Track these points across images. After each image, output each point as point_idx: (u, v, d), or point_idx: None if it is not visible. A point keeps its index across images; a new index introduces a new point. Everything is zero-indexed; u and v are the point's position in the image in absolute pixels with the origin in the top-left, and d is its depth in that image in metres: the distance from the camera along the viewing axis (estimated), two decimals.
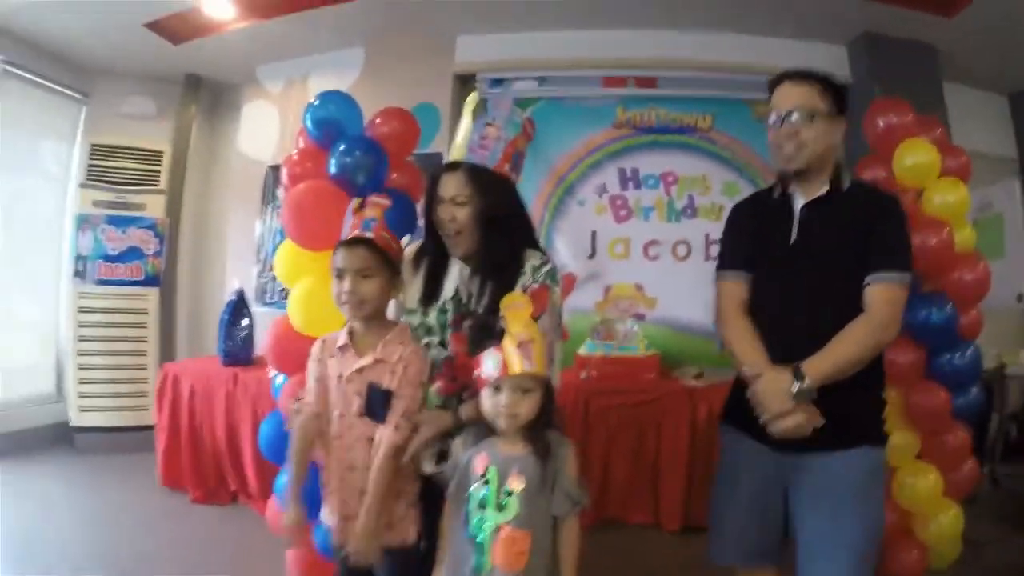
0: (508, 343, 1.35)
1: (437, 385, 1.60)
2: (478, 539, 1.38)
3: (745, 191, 3.60)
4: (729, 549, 1.65)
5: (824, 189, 1.55)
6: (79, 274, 4.04)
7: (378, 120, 2.60)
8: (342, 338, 1.56)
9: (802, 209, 1.56)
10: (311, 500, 1.74)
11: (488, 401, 1.39)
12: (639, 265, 3.65)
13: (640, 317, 3.57)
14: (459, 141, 1.70)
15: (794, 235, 1.55)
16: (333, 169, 2.31)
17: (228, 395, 3.29)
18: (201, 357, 3.97)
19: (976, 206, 3.24)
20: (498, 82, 3.76)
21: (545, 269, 1.59)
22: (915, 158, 2.30)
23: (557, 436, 1.47)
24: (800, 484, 1.52)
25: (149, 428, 3.62)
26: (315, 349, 1.60)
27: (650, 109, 3.70)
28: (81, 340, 4.02)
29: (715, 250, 3.58)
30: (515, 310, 1.40)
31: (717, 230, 3.51)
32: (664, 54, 3.67)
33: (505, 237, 1.59)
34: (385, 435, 1.49)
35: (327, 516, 1.57)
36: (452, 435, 1.53)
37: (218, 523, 3.12)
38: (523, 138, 1.72)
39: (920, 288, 2.29)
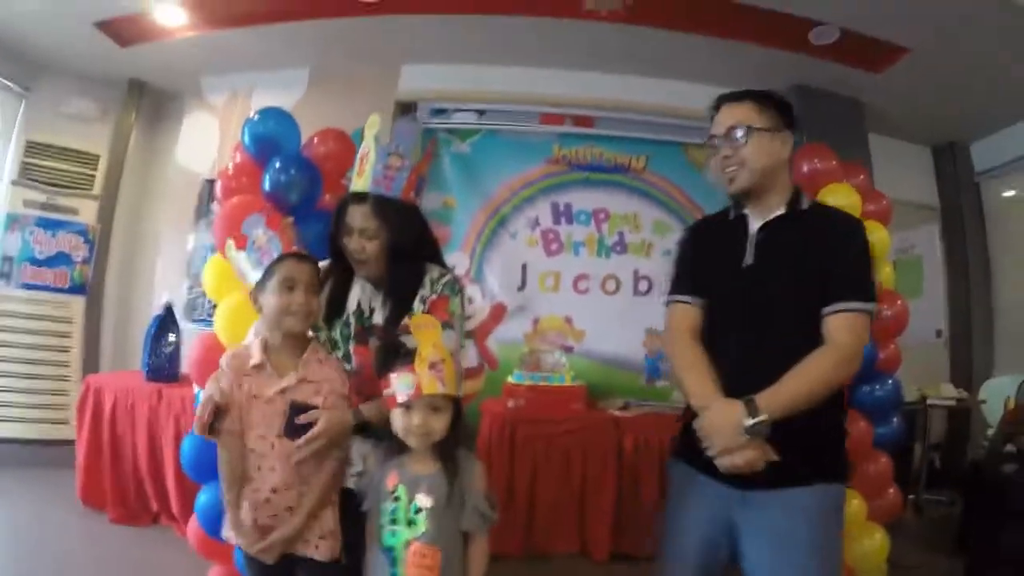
0: (419, 364, 1.40)
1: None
2: (392, 554, 1.43)
3: (676, 229, 3.78)
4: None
5: (780, 210, 1.49)
6: (3, 276, 3.93)
7: (316, 140, 2.63)
8: (256, 356, 1.55)
9: (758, 231, 1.50)
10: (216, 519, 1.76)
11: (399, 420, 1.43)
12: (568, 298, 3.75)
13: (568, 349, 3.68)
14: (358, 167, 1.70)
15: (748, 258, 1.49)
16: (267, 186, 2.33)
17: (151, 411, 3.23)
18: (126, 371, 3.90)
19: (897, 247, 3.44)
20: (439, 111, 3.82)
21: (444, 280, 1.67)
22: (837, 201, 2.38)
23: (465, 453, 1.53)
24: (750, 522, 1.42)
25: (70, 442, 3.54)
26: (225, 363, 1.58)
27: (586, 147, 3.82)
28: (0, 346, 3.91)
29: (643, 285, 3.79)
30: (424, 330, 1.45)
31: (646, 266, 3.75)
32: (602, 94, 3.80)
33: (410, 262, 1.67)
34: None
35: (239, 533, 1.55)
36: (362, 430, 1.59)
37: (138, 543, 3.07)
38: (425, 162, 1.78)
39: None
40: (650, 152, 3.84)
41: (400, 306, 1.66)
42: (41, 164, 4.06)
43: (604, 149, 3.82)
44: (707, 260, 1.58)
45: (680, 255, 1.67)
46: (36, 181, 4.04)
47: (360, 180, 1.64)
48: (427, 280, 1.68)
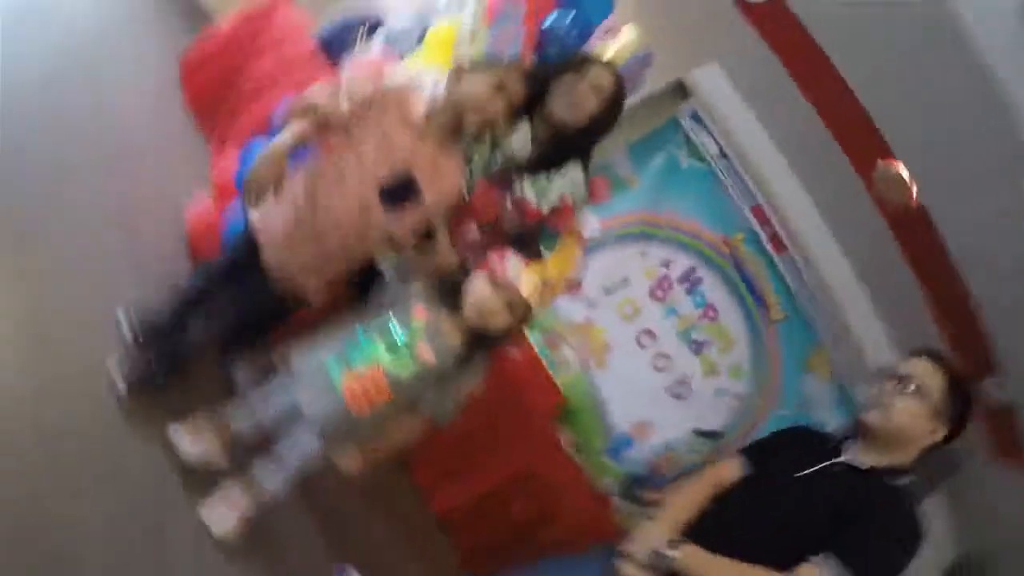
0: (539, 269, 1.39)
1: None
2: (352, 356, 1.40)
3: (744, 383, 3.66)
4: None
5: (870, 465, 1.49)
6: None
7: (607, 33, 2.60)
8: (419, 112, 1.54)
9: (835, 463, 1.52)
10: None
11: (479, 290, 1.44)
12: (625, 336, 3.68)
13: (583, 364, 3.63)
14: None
15: (804, 472, 1.51)
16: (547, 23, 2.29)
17: (298, 60, 3.22)
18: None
19: None
20: (697, 119, 3.71)
21: (584, 193, 1.77)
22: None
23: (482, 358, 1.51)
24: None
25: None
26: (388, 84, 1.57)
27: (760, 260, 3.72)
28: None
29: (686, 391, 3.57)
30: (565, 253, 1.45)
31: (698, 381, 3.57)
32: (814, 247, 3.68)
33: (589, 139, 1.76)
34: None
35: (265, 215, 1.57)
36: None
37: (181, 138, 3.13)
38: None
39: None
40: (791, 315, 3.72)
41: (539, 167, 1.71)
42: None
43: (767, 277, 3.71)
44: (782, 450, 1.64)
45: (774, 434, 1.78)
46: None
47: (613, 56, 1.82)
48: (569, 175, 1.74)
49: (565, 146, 1.72)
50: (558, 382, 3.34)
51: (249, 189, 1.49)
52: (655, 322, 3.71)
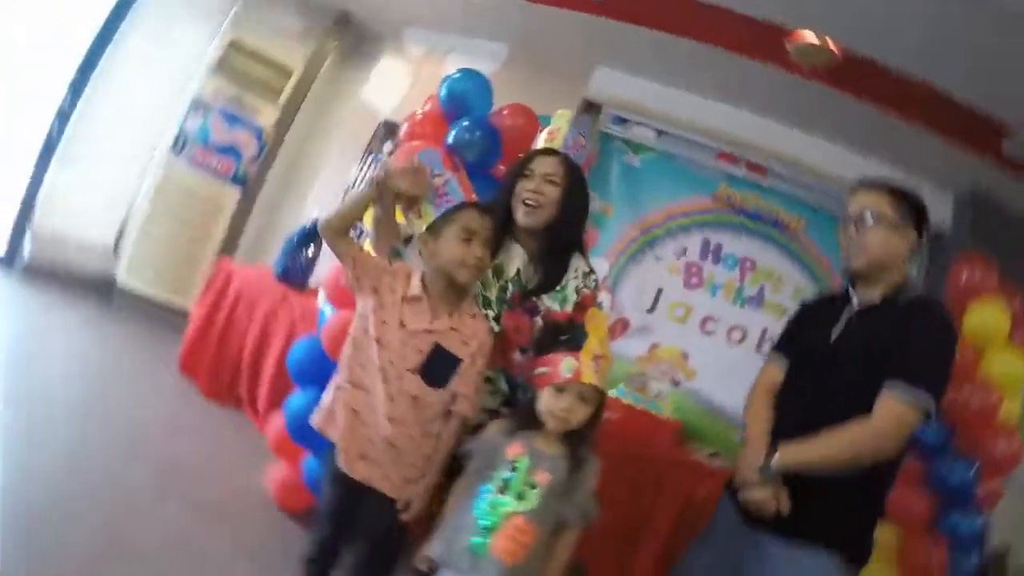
0: (585, 353, 1.42)
1: None
2: (485, 521, 1.42)
3: None
4: None
5: (877, 297, 1.56)
6: (176, 149, 4.20)
7: (505, 112, 2.71)
8: (416, 288, 1.56)
9: (852, 313, 1.59)
10: (305, 431, 1.79)
11: (548, 400, 1.45)
12: (692, 334, 3.66)
13: (676, 383, 3.59)
14: (546, 137, 1.80)
15: (835, 335, 1.58)
16: (450, 139, 2.41)
17: (271, 309, 3.37)
18: (258, 265, 4.05)
19: None
20: (621, 120, 3.86)
21: (593, 278, 1.75)
22: (985, 317, 2.33)
23: (588, 451, 1.53)
24: (750, 566, 1.53)
25: (186, 314, 3.74)
26: (401, 271, 1.60)
27: (752, 194, 3.74)
28: (154, 208, 4.16)
29: (768, 345, 3.63)
30: (595, 322, 1.48)
31: (775, 328, 3.60)
32: (782, 147, 3.72)
33: (573, 229, 1.75)
34: (464, 408, 1.57)
35: (335, 434, 1.57)
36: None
37: (216, 421, 3.20)
38: (589, 161, 1.86)
39: (951, 440, 2.31)
40: (810, 217, 3.75)
41: (552, 283, 1.70)
42: (238, 62, 4.32)
43: (769, 201, 3.74)
44: (804, 330, 1.72)
45: (789, 321, 1.81)
46: (231, 76, 4.29)
47: (550, 144, 1.76)
48: (577, 269, 1.73)
49: (557, 248, 1.73)
50: (664, 415, 3.28)
51: (329, 227, 1.56)
52: (707, 306, 3.70)
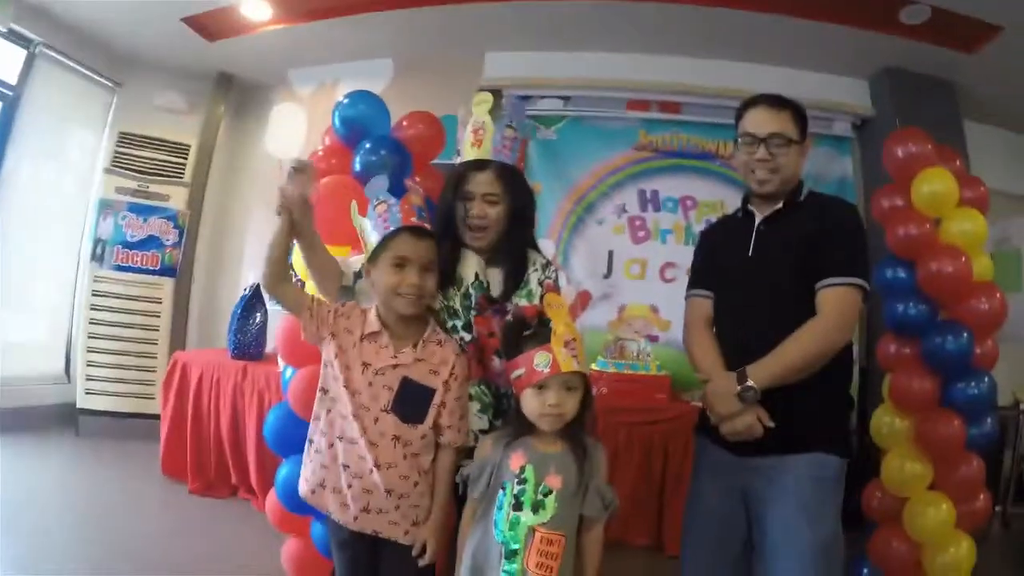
0: (555, 342, 1.35)
1: None
2: (510, 543, 1.36)
3: None
4: (696, 558, 1.67)
5: (780, 204, 1.60)
6: (96, 258, 4.07)
7: (405, 123, 2.64)
8: (373, 324, 1.49)
9: (759, 225, 1.62)
10: (302, 499, 1.72)
11: (532, 401, 1.38)
12: (655, 287, 3.65)
13: (653, 339, 3.57)
14: (472, 139, 1.69)
15: (751, 249, 1.61)
16: (358, 166, 2.33)
17: (236, 387, 3.28)
18: (211, 349, 3.97)
19: (994, 240, 3.24)
20: (523, 99, 3.80)
21: (553, 268, 1.72)
22: (933, 187, 2.31)
23: (591, 439, 1.47)
24: (754, 488, 1.54)
25: (154, 416, 3.63)
26: (353, 311, 1.52)
27: (672, 133, 3.75)
28: (93, 323, 4.04)
29: None
30: (557, 309, 1.41)
31: None
32: (688, 80, 3.73)
33: (524, 231, 1.70)
34: (451, 437, 1.51)
35: (331, 504, 1.51)
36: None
37: (215, 515, 3.10)
38: (525, 142, 1.81)
39: (936, 316, 2.32)
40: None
41: (516, 281, 1.65)
42: (133, 153, 4.20)
43: (691, 135, 3.74)
44: (717, 256, 1.73)
45: (696, 254, 1.83)
46: (128, 169, 4.18)
47: (478, 150, 1.65)
48: (536, 262, 1.69)
49: (513, 250, 1.68)
50: (651, 372, 3.25)
51: (266, 281, 1.51)
52: (662, 254, 3.71)
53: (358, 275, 1.62)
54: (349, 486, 1.47)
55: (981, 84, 3.65)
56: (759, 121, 1.59)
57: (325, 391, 1.51)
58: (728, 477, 1.59)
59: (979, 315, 2.29)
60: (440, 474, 1.52)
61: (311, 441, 1.55)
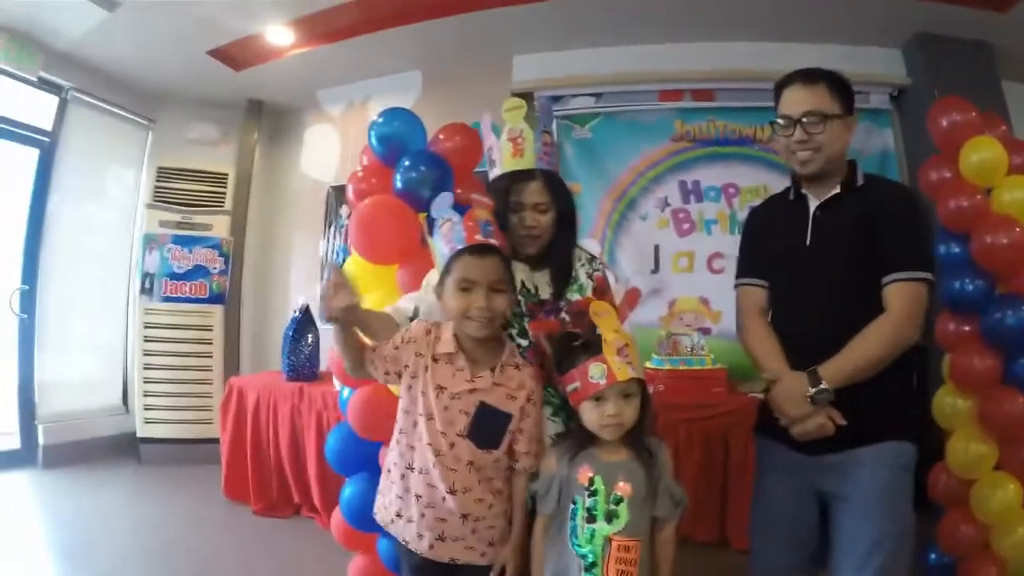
0: (607, 351, 1.33)
1: None
2: (589, 556, 1.34)
3: None
4: (768, 560, 1.62)
5: (836, 188, 1.54)
6: (146, 291, 4.16)
7: (441, 136, 2.63)
8: (449, 345, 1.45)
9: (815, 211, 1.55)
10: (367, 517, 1.70)
11: (591, 413, 1.36)
12: (703, 278, 3.59)
13: (706, 331, 3.50)
14: (511, 148, 1.69)
15: (808, 238, 1.55)
16: (399, 184, 2.33)
17: (293, 408, 3.32)
18: (266, 372, 4.02)
19: None
20: (555, 99, 3.79)
21: (599, 261, 1.72)
22: (981, 155, 2.21)
23: (654, 440, 1.44)
24: (828, 485, 1.51)
25: (213, 441, 3.68)
26: (417, 330, 1.49)
27: (708, 121, 3.68)
28: (147, 355, 4.14)
29: None
30: (605, 316, 1.39)
31: None
32: (719, 65, 3.66)
33: (571, 235, 1.71)
34: (527, 463, 1.48)
35: (406, 533, 1.49)
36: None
37: (280, 535, 3.13)
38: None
39: (994, 290, 2.22)
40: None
41: (565, 280, 1.65)
42: (173, 187, 4.31)
43: (727, 121, 3.67)
44: (769, 242, 1.65)
45: (745, 239, 1.75)
46: (169, 203, 4.28)
47: (520, 160, 1.66)
48: (581, 258, 1.70)
49: (560, 252, 1.68)
50: (707, 366, 3.20)
51: (348, 372, 1.52)
52: (708, 245, 3.64)
53: (413, 317, 1.62)
54: (422, 515, 1.45)
55: (1016, 42, 3.49)
56: (793, 101, 1.53)
57: (403, 422, 1.49)
58: (798, 476, 1.55)
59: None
60: (517, 497, 1.50)
61: (388, 470, 1.54)
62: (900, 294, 1.44)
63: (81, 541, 2.90)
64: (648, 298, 3.54)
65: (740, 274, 1.72)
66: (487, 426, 1.44)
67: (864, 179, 1.55)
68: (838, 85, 1.52)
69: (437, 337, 1.47)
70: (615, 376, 1.32)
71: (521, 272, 1.66)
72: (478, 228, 1.44)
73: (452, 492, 1.42)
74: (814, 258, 1.53)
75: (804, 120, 1.49)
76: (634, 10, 3.42)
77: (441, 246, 1.47)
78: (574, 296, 1.64)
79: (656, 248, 3.64)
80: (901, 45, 3.67)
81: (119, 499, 3.53)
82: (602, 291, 1.67)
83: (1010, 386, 2.17)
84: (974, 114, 2.34)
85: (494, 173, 1.71)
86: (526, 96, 3.82)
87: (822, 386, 1.42)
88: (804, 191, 1.59)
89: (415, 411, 1.46)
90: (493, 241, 1.45)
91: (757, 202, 3.45)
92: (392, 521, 1.51)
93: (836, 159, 1.53)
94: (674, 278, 3.60)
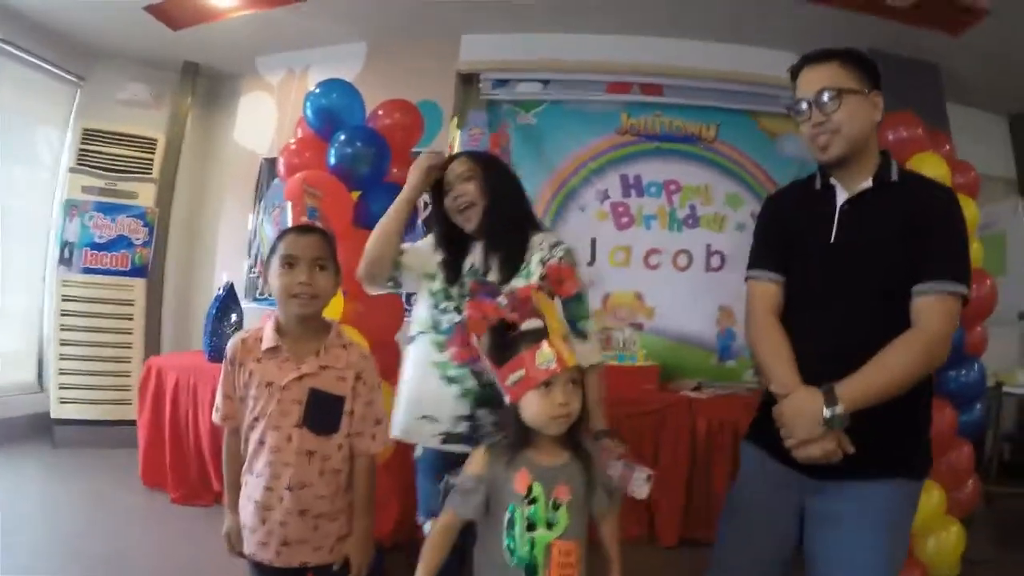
0: (554, 337, 1.25)
1: (451, 351, 1.55)
2: (530, 562, 1.28)
3: (748, 202, 3.60)
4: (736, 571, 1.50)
5: (868, 181, 1.38)
6: (64, 261, 3.92)
7: (381, 112, 2.54)
8: (270, 339, 1.40)
9: (844, 204, 1.39)
10: None
11: (539, 403, 1.25)
12: (639, 273, 3.59)
13: (638, 326, 3.52)
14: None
15: (834, 234, 1.38)
16: (333, 160, 2.24)
17: (213, 391, 3.15)
18: (187, 352, 3.87)
19: (979, 224, 3.23)
20: (502, 83, 3.70)
21: (563, 247, 1.63)
22: (925, 172, 2.25)
23: (584, 439, 1.39)
24: (820, 510, 1.38)
25: (131, 423, 3.51)
26: (232, 351, 1.44)
27: (655, 116, 3.65)
28: (63, 329, 3.91)
29: (716, 261, 3.62)
30: (544, 304, 1.33)
31: (719, 241, 3.58)
32: (670, 62, 3.62)
33: (509, 206, 1.66)
34: (366, 445, 1.45)
35: (251, 545, 1.43)
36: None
37: (198, 524, 3.01)
38: (503, 137, 1.81)
39: None
40: (720, 121, 3.67)
41: (512, 265, 1.61)
42: (98, 150, 4.04)
43: (673, 118, 3.65)
44: (790, 234, 1.47)
45: (761, 227, 1.56)
46: (94, 167, 4.01)
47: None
48: (542, 243, 1.64)
49: (500, 229, 1.64)
50: (638, 362, 3.21)
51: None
52: (645, 241, 3.64)
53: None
54: (263, 521, 1.39)
55: (963, 67, 3.61)
56: (806, 82, 1.39)
57: (249, 426, 1.43)
58: (787, 494, 1.41)
59: (970, 303, 2.25)
60: (360, 483, 1.46)
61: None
62: (935, 308, 1.28)
63: None
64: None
65: (752, 265, 1.52)
66: (321, 411, 1.40)
67: (899, 175, 1.40)
68: (854, 59, 1.38)
69: (257, 339, 1.43)
70: (565, 362, 1.24)
71: (473, 256, 1.66)
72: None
73: (289, 489, 1.37)
74: (839, 258, 1.37)
75: (818, 99, 1.35)
76: None
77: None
78: (519, 283, 1.58)
79: (594, 241, 3.61)
80: None
81: (31, 483, 3.37)
82: (557, 280, 1.61)
83: (938, 396, 2.21)
84: (920, 131, 2.37)
85: None
86: (472, 77, 3.73)
87: (839, 410, 1.24)
88: (832, 181, 1.42)
89: (252, 416, 1.41)
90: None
91: (697, 201, 3.61)
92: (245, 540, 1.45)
93: (859, 141, 1.36)
94: (610, 271, 3.59)
